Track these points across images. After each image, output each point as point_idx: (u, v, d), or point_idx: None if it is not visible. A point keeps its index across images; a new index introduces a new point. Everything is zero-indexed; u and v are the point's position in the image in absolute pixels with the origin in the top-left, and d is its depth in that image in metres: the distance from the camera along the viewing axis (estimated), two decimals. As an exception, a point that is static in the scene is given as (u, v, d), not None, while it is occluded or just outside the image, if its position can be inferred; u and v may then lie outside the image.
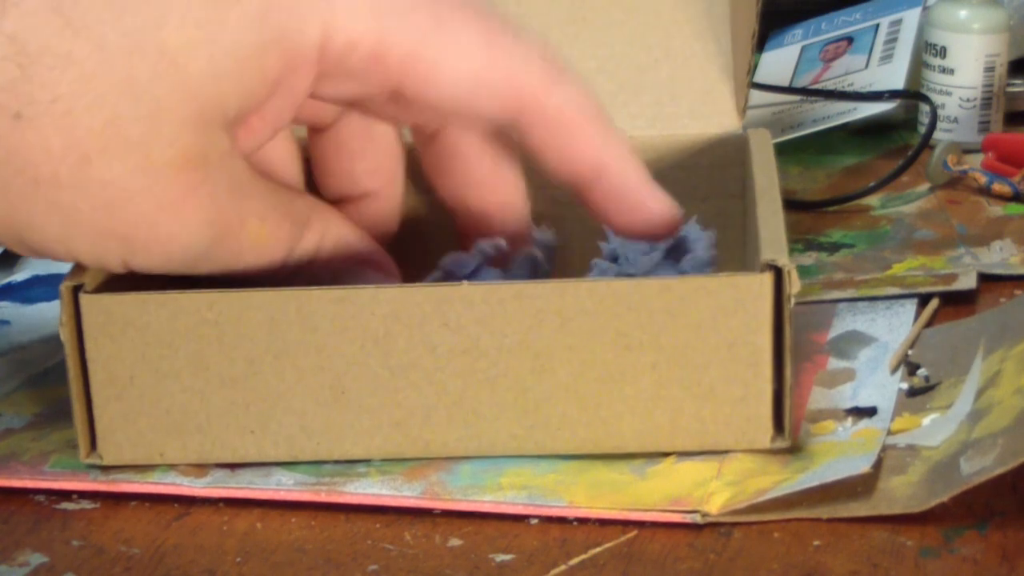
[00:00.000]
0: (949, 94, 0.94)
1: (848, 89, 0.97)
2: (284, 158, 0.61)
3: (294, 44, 0.52)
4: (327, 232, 0.57)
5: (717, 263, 0.69)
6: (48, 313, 0.75)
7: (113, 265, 0.55)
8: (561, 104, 0.57)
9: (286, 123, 0.57)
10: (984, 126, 0.94)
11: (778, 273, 0.57)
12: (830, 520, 0.56)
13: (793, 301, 0.57)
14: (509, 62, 0.55)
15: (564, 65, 0.57)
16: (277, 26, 0.52)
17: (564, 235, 0.75)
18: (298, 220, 0.56)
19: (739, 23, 0.74)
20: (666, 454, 0.60)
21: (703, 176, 0.74)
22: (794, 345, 0.58)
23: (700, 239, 0.69)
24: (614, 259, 0.71)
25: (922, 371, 0.65)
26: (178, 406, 0.59)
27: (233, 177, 0.53)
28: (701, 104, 0.74)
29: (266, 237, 0.54)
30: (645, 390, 0.58)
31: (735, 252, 0.72)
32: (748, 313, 0.57)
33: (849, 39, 1.02)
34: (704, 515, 0.56)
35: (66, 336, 0.58)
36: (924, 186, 0.88)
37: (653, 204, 0.61)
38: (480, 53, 0.55)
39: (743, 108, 0.74)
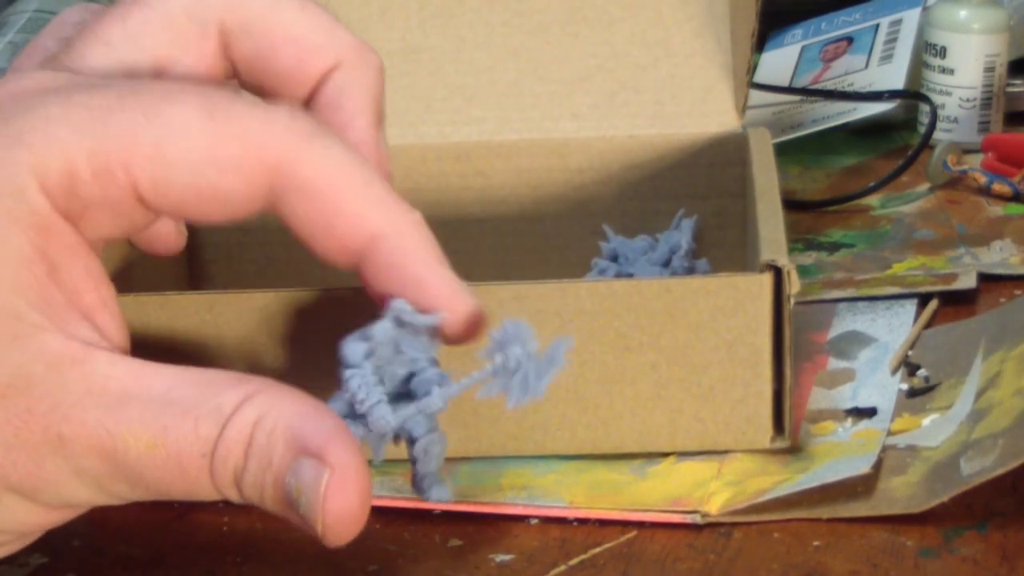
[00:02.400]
0: (949, 94, 0.94)
1: (848, 89, 0.97)
2: None
3: (27, 208, 0.44)
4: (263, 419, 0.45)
5: (707, 255, 0.69)
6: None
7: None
8: (317, 164, 0.47)
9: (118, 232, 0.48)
10: (984, 126, 0.94)
11: (778, 273, 0.57)
12: (830, 520, 0.56)
13: (793, 301, 0.57)
14: (242, 127, 0.46)
15: (318, 125, 0.48)
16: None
17: (565, 233, 0.75)
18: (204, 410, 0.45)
19: (739, 22, 0.74)
20: (666, 454, 0.60)
21: (702, 175, 0.74)
22: (794, 345, 0.58)
23: (685, 233, 0.69)
24: (614, 258, 0.71)
25: (922, 372, 0.65)
26: None
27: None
28: (701, 103, 0.74)
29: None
30: (645, 390, 0.58)
31: (735, 252, 0.72)
32: (748, 313, 0.57)
33: (849, 39, 1.02)
34: (704, 515, 0.56)
35: None
36: (924, 186, 0.88)
37: (441, 286, 0.48)
38: (204, 127, 0.46)
39: (743, 107, 0.74)
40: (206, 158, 0.46)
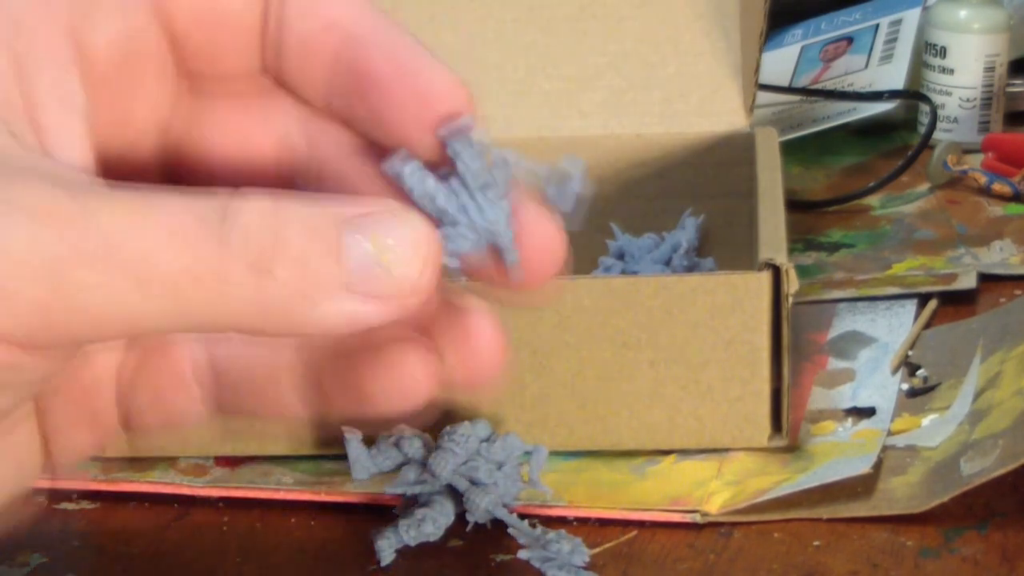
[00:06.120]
0: (949, 94, 0.94)
1: (848, 89, 0.97)
2: None
3: None
4: None
5: (714, 254, 0.69)
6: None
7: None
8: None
9: None
10: (984, 126, 0.94)
11: (776, 272, 0.57)
12: (830, 520, 0.56)
13: (791, 300, 0.57)
14: None
15: None
16: None
17: (572, 230, 0.75)
18: None
19: (748, 22, 0.74)
20: (666, 453, 0.60)
21: (710, 174, 0.74)
22: (792, 344, 0.58)
23: (688, 231, 0.69)
24: (620, 256, 0.71)
25: (922, 372, 0.65)
26: None
27: None
28: (709, 102, 0.74)
29: None
30: (643, 388, 0.58)
31: (743, 251, 0.72)
32: (746, 312, 0.57)
33: (849, 39, 1.02)
34: (704, 515, 0.56)
35: None
36: (924, 186, 0.88)
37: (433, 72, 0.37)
38: None
39: (751, 106, 0.74)
40: None
